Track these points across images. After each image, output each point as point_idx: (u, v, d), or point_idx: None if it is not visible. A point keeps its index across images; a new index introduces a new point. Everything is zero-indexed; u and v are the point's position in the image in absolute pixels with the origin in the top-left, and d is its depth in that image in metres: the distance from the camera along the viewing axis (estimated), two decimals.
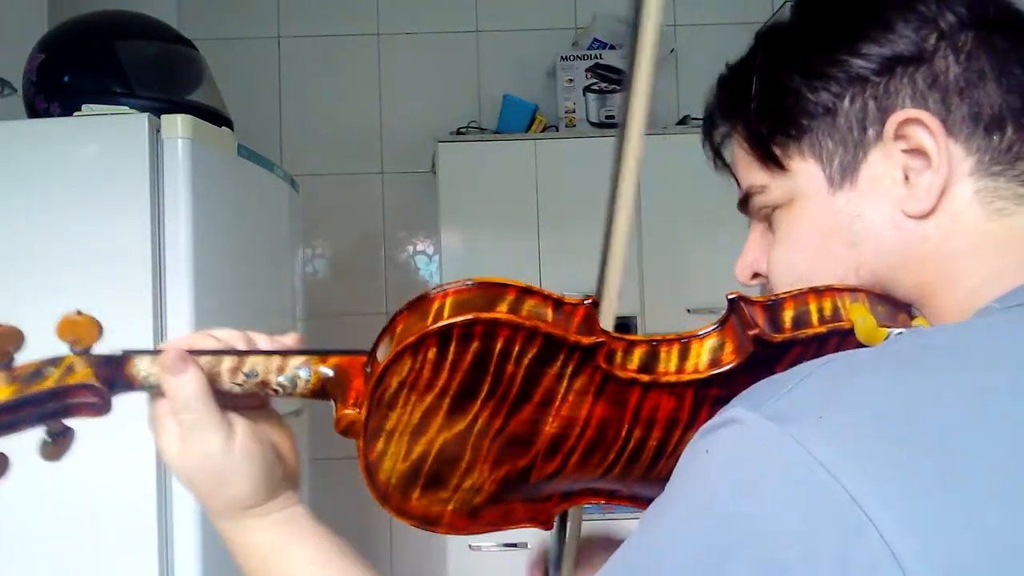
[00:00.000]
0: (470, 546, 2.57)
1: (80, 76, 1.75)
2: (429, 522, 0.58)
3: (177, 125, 1.62)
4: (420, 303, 0.54)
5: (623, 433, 0.54)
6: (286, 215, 2.12)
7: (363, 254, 3.16)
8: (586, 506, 0.65)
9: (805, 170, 0.57)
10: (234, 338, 0.60)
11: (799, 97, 0.57)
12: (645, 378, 0.53)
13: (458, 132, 2.96)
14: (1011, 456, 0.39)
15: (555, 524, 0.67)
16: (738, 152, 0.62)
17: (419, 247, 3.17)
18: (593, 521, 0.74)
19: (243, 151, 1.84)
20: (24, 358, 0.57)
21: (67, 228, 1.57)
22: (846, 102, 0.55)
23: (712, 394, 0.53)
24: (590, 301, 0.55)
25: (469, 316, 0.51)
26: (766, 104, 0.59)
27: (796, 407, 0.42)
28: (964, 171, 0.53)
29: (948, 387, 0.42)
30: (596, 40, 2.96)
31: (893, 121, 0.54)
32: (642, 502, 0.59)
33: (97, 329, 0.57)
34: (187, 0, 3.05)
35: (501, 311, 0.52)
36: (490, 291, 0.54)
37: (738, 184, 0.63)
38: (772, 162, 0.59)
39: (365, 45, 3.17)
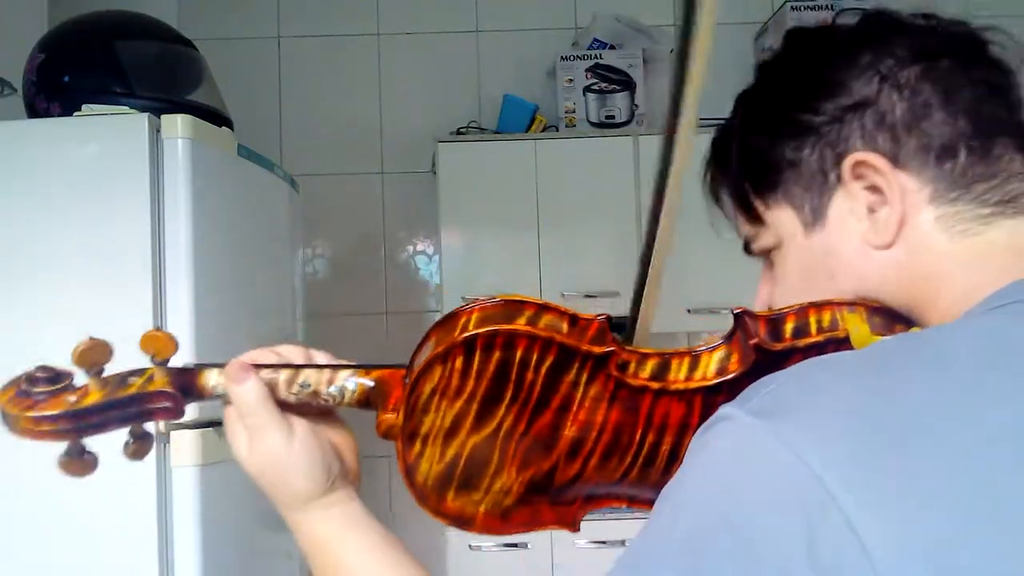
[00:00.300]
0: (470, 546, 2.57)
1: (80, 76, 1.75)
2: (464, 522, 0.65)
3: (177, 125, 1.62)
4: (450, 319, 0.61)
5: (637, 438, 0.59)
6: (286, 215, 2.12)
7: (363, 254, 3.16)
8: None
9: (781, 218, 0.63)
10: (293, 352, 0.68)
11: (767, 155, 0.63)
12: (656, 385, 0.58)
13: (458, 132, 2.96)
14: (963, 442, 0.42)
15: None
16: (730, 206, 0.69)
17: (419, 247, 3.17)
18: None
19: (243, 151, 1.84)
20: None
21: (67, 228, 1.57)
22: (806, 152, 0.61)
23: (719, 400, 0.56)
24: (604, 317, 0.61)
25: (491, 328, 0.58)
26: (743, 165, 0.65)
27: (775, 403, 0.46)
28: (922, 200, 0.57)
29: (909, 381, 0.45)
30: (596, 40, 2.96)
31: (847, 164, 0.58)
32: None
33: (174, 345, 0.66)
34: (187, 0, 3.05)
35: (520, 324, 0.58)
36: (511, 307, 0.60)
37: (737, 232, 0.70)
38: (754, 217, 0.65)
39: (365, 45, 3.17)
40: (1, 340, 1.50)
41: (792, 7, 2.80)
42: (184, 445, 1.58)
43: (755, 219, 0.65)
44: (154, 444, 0.69)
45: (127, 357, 0.66)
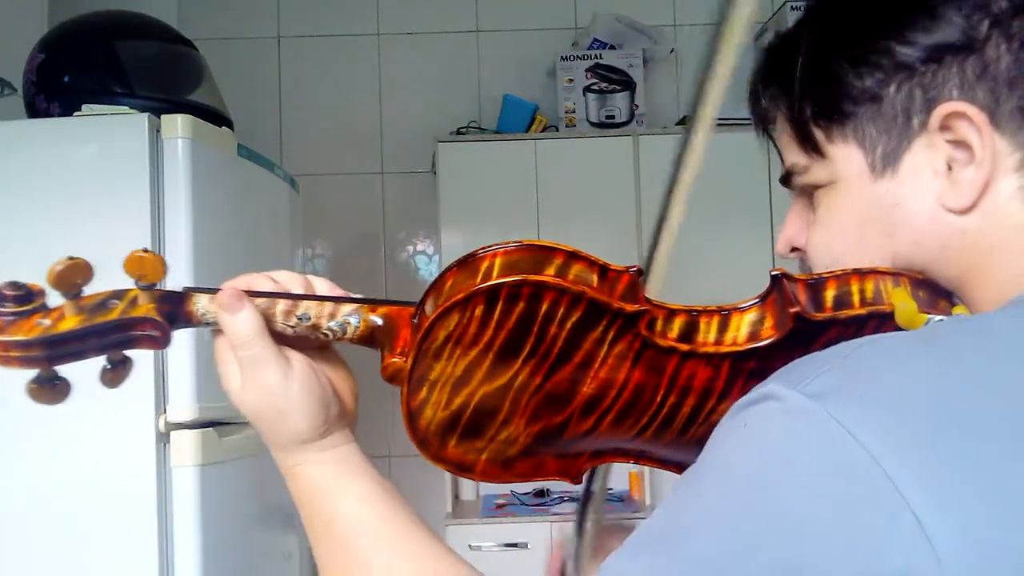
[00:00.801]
0: (470, 546, 2.57)
1: (80, 76, 1.75)
2: (464, 468, 0.61)
3: (177, 125, 1.62)
4: (470, 261, 0.56)
5: (658, 398, 0.56)
6: (286, 215, 2.12)
7: (363, 254, 3.16)
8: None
9: (847, 155, 0.57)
10: (292, 280, 0.63)
11: (843, 83, 0.56)
12: (684, 347, 0.54)
13: (458, 132, 2.96)
14: None
15: (584, 481, 0.70)
16: (780, 129, 0.62)
17: (419, 247, 3.17)
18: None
19: (243, 151, 1.84)
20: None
21: (67, 228, 1.57)
22: (891, 89, 0.54)
23: (748, 367, 0.54)
24: (635, 269, 0.57)
25: (518, 277, 0.53)
26: (810, 87, 0.58)
27: (834, 386, 0.42)
28: (1008, 167, 0.52)
29: (982, 373, 0.42)
30: (596, 40, 2.96)
31: (939, 113, 0.53)
32: (670, 465, 0.61)
33: (162, 267, 0.60)
34: (187, 0, 3.05)
35: (549, 274, 0.54)
36: (538, 253, 0.55)
37: (781, 158, 0.63)
38: (813, 147, 0.58)
39: (365, 45, 3.17)
40: None
41: (792, 7, 2.80)
42: (184, 445, 1.58)
43: (813, 150, 0.58)
44: (132, 370, 0.62)
45: (109, 280, 0.60)
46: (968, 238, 0.53)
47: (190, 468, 1.59)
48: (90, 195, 1.59)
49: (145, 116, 1.60)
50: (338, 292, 0.63)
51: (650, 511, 2.84)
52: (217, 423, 1.65)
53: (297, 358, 0.61)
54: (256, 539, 1.86)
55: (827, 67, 0.57)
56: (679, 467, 0.60)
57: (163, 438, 1.58)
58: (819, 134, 0.58)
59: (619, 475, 2.87)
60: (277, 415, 0.60)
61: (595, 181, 2.80)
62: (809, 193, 0.61)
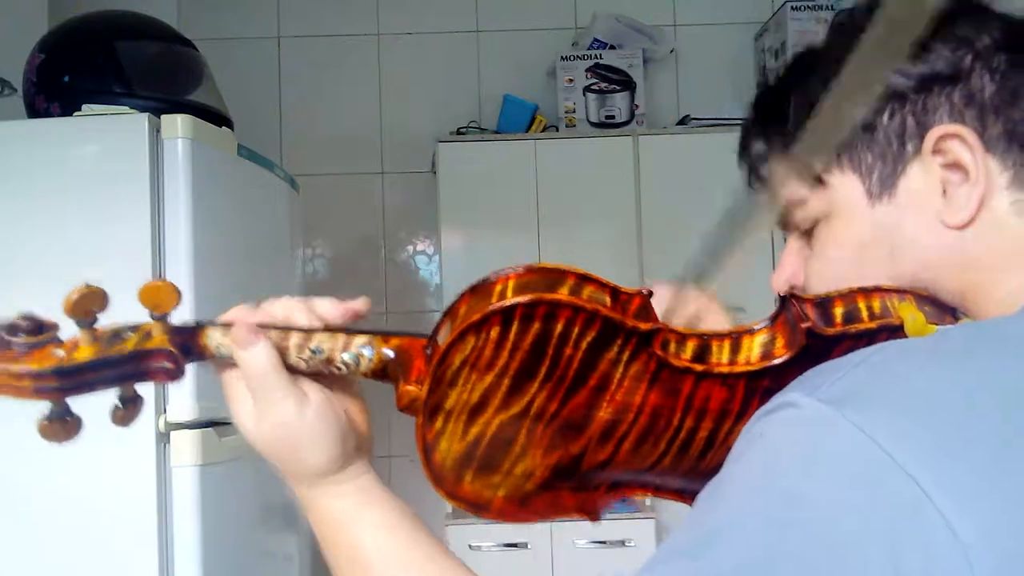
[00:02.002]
0: (470, 546, 2.57)
1: (80, 76, 1.75)
2: (479, 507, 0.60)
3: (177, 125, 1.62)
4: (482, 286, 0.57)
5: (675, 422, 0.56)
6: (286, 215, 2.12)
7: (363, 254, 3.16)
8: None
9: (844, 183, 0.59)
10: (294, 309, 0.62)
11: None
12: (699, 367, 0.55)
13: (458, 132, 2.96)
14: None
15: None
16: (776, 168, 0.64)
17: (419, 247, 3.17)
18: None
19: (243, 151, 1.84)
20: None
21: (67, 228, 1.57)
22: (885, 118, 0.57)
23: (763, 386, 0.54)
24: (647, 291, 0.57)
25: (532, 296, 0.53)
26: (805, 122, 0.60)
27: (851, 391, 0.43)
28: (1001, 184, 0.55)
29: (999, 374, 0.43)
30: (596, 40, 2.96)
31: (932, 136, 0.55)
32: (689, 496, 0.60)
33: (176, 296, 0.59)
34: (187, 0, 3.05)
35: (563, 294, 0.54)
36: (550, 276, 0.56)
37: (776, 198, 0.65)
38: (811, 177, 0.60)
39: (365, 45, 3.17)
40: None
41: (792, 7, 2.80)
42: (184, 445, 1.58)
43: (813, 179, 0.60)
44: (143, 408, 0.62)
45: (123, 310, 0.59)
46: (969, 252, 0.55)
47: (190, 468, 1.59)
48: (90, 195, 1.59)
49: (145, 116, 1.60)
50: (342, 309, 0.62)
51: (649, 511, 2.82)
52: (217, 423, 1.65)
53: (313, 391, 0.60)
54: (256, 539, 1.86)
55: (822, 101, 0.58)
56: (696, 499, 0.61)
57: (163, 438, 1.58)
58: (816, 166, 0.59)
59: None
60: (293, 449, 0.60)
61: (595, 181, 2.80)
62: (804, 230, 0.62)
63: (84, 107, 1.65)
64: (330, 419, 0.60)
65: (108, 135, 1.61)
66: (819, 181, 0.60)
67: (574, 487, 0.60)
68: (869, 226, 0.58)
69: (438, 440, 0.57)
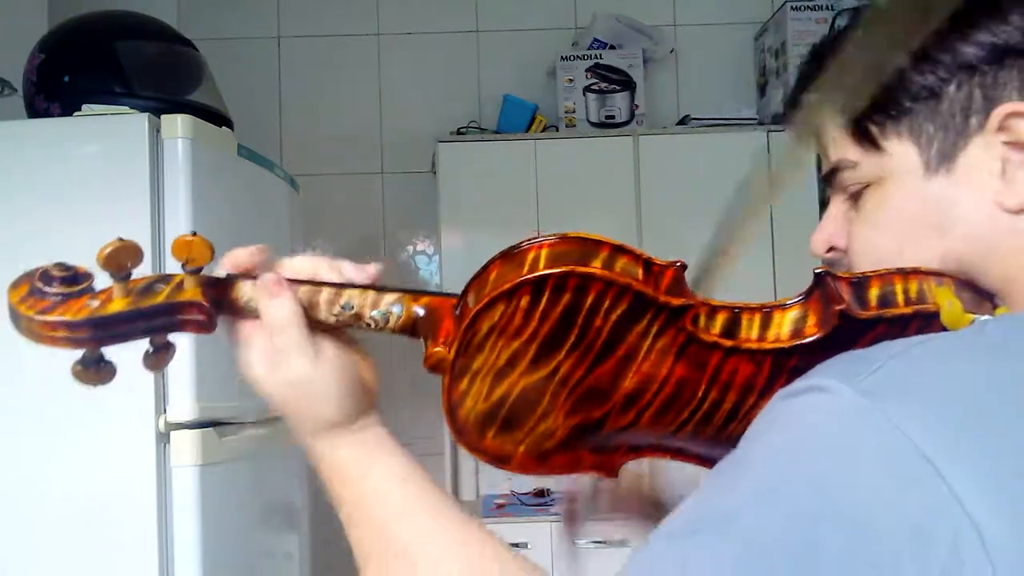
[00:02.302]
0: None
1: (80, 76, 1.75)
2: (501, 460, 0.61)
3: (177, 125, 1.62)
4: (515, 253, 0.56)
5: (699, 394, 0.56)
6: (286, 215, 2.12)
7: (363, 254, 3.12)
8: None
9: (901, 151, 0.57)
10: (320, 265, 0.63)
11: (903, 77, 0.56)
12: (728, 343, 0.54)
13: (458, 132, 2.96)
14: None
15: None
16: (829, 125, 0.61)
17: (419, 247, 3.17)
18: None
19: (243, 151, 1.84)
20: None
21: (67, 228, 1.57)
22: (952, 87, 0.55)
23: (790, 364, 0.54)
24: (679, 264, 0.57)
25: (565, 268, 0.53)
26: (867, 80, 0.58)
27: (888, 384, 0.43)
28: None
29: None
30: (596, 40, 2.96)
31: (999, 112, 0.53)
32: (708, 462, 0.60)
33: (210, 251, 0.60)
34: (187, 0, 3.05)
35: (595, 266, 0.54)
36: (584, 246, 0.56)
37: (825, 156, 0.63)
38: (867, 140, 0.58)
39: (365, 45, 3.17)
40: (0, 340, 1.50)
41: (792, 7, 2.80)
42: (184, 445, 1.58)
43: (869, 143, 0.58)
44: (175, 354, 0.62)
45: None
46: (1020, 238, 0.53)
47: (190, 468, 1.59)
48: (90, 195, 1.59)
49: (145, 116, 1.60)
50: (364, 271, 0.63)
51: None
52: (217, 423, 1.65)
53: (328, 347, 0.61)
54: (256, 539, 1.85)
55: (887, 61, 0.56)
56: (714, 465, 0.60)
57: (163, 438, 1.58)
58: (874, 128, 0.57)
59: None
60: (305, 402, 0.60)
61: (595, 181, 2.79)
62: (851, 192, 0.60)
63: (84, 107, 1.65)
64: (342, 374, 0.60)
65: (108, 135, 1.61)
66: (875, 145, 0.58)
67: (594, 447, 0.60)
68: (921, 199, 0.56)
69: (463, 399, 0.58)
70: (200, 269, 0.60)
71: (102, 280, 0.59)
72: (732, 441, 0.54)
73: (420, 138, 3.03)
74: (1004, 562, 0.37)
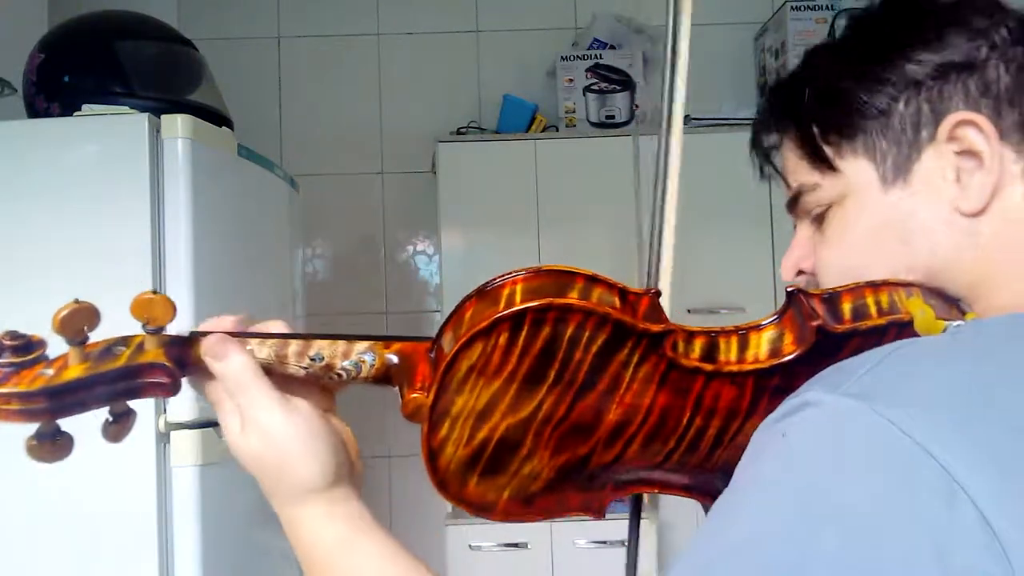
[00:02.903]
0: (470, 546, 2.57)
1: (80, 76, 1.75)
2: (484, 509, 0.59)
3: (177, 125, 1.62)
4: (489, 290, 0.56)
5: (684, 421, 0.55)
6: (286, 215, 2.12)
7: (363, 254, 3.16)
8: None
9: (857, 168, 0.59)
10: (278, 328, 0.61)
11: (853, 99, 0.58)
12: (709, 367, 0.54)
13: (458, 132, 2.96)
14: None
15: (629, 517, 0.70)
16: (788, 155, 0.64)
17: (419, 247, 3.17)
18: None
19: (243, 151, 1.84)
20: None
21: (67, 228, 1.57)
22: (901, 104, 0.57)
23: (772, 384, 0.54)
24: (654, 292, 0.57)
25: (544, 301, 0.52)
26: (819, 106, 0.61)
27: (876, 386, 0.43)
28: (1015, 174, 0.55)
29: (1015, 368, 0.44)
30: (596, 40, 2.96)
31: (948, 122, 0.56)
32: (695, 493, 0.60)
33: (171, 309, 0.56)
34: (187, 0, 3.05)
35: (573, 297, 0.53)
36: (559, 278, 0.55)
37: (787, 186, 0.65)
38: (824, 162, 0.60)
39: (365, 45, 3.17)
40: None
41: (792, 7, 2.80)
42: (184, 445, 1.58)
43: (826, 165, 0.60)
44: (136, 422, 0.59)
45: (121, 309, 0.57)
46: (982, 241, 0.55)
47: (190, 468, 1.59)
48: (90, 195, 1.59)
49: (145, 116, 1.60)
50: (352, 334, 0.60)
51: (652, 510, 2.81)
52: (217, 423, 1.64)
53: (301, 402, 0.59)
54: (256, 539, 1.85)
55: (836, 88, 0.59)
56: (703, 494, 0.60)
57: (163, 438, 1.58)
58: (829, 150, 0.60)
59: None
60: (282, 461, 0.58)
61: (595, 181, 2.79)
62: (815, 215, 0.62)
63: (84, 107, 1.65)
64: (321, 429, 0.59)
65: (108, 135, 1.61)
66: (832, 166, 0.60)
67: (580, 486, 0.59)
68: (882, 212, 0.58)
69: (444, 445, 0.57)
70: (162, 329, 0.57)
71: (58, 347, 0.55)
72: (718, 468, 0.55)
73: (420, 138, 3.03)
74: (1017, 552, 0.37)
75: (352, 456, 0.62)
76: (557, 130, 2.91)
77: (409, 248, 3.17)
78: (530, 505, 0.60)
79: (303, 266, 2.45)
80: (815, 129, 0.60)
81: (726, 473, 0.47)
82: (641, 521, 0.72)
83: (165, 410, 1.58)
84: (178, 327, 0.59)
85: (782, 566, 0.40)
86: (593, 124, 2.91)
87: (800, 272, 0.65)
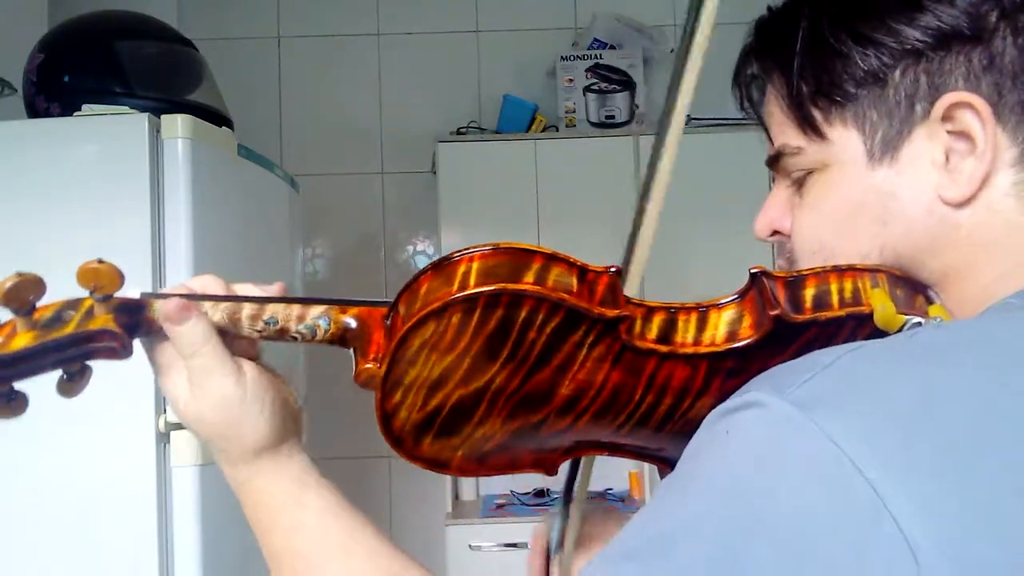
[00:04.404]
0: (470, 546, 2.57)
1: (80, 76, 1.75)
2: (439, 465, 0.60)
3: (177, 125, 1.62)
4: (445, 266, 0.55)
5: (636, 398, 0.55)
6: (286, 215, 2.12)
7: (363, 254, 3.16)
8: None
9: (845, 139, 0.55)
10: (214, 286, 0.61)
11: (848, 61, 0.54)
12: (663, 348, 0.54)
13: (458, 132, 2.96)
14: None
15: (567, 471, 0.70)
16: (773, 109, 0.60)
17: (419, 247, 3.17)
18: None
19: (243, 151, 1.84)
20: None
21: (67, 228, 1.57)
22: (897, 73, 0.53)
23: (726, 366, 0.53)
24: (614, 270, 0.56)
25: (496, 287, 0.52)
26: (811, 62, 0.56)
27: (819, 394, 0.42)
28: (1006, 161, 0.52)
29: (970, 383, 0.42)
30: (596, 40, 2.96)
31: (944, 102, 0.52)
32: (646, 456, 0.61)
33: (119, 277, 0.57)
34: (187, 0, 3.05)
35: (527, 282, 0.52)
36: (516, 258, 0.54)
37: (769, 139, 0.61)
38: (810, 127, 0.57)
39: (365, 45, 3.17)
40: None
41: None
42: (184, 445, 1.58)
43: (813, 130, 0.56)
44: (91, 378, 0.59)
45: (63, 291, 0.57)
46: (961, 232, 0.53)
47: (190, 468, 1.59)
48: (90, 195, 1.59)
49: (145, 116, 1.60)
50: (268, 293, 0.61)
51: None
52: None
53: (247, 364, 0.59)
54: (256, 539, 1.85)
55: (831, 44, 0.55)
56: (653, 458, 0.61)
57: (163, 438, 1.58)
58: (818, 115, 0.56)
59: (619, 475, 2.87)
60: (232, 423, 0.58)
61: (595, 181, 2.79)
62: (795, 177, 0.59)
63: (84, 107, 1.65)
64: (268, 390, 0.59)
65: (108, 135, 1.61)
66: (819, 132, 0.56)
67: (533, 447, 0.60)
68: (864, 188, 0.55)
69: (397, 410, 0.57)
70: (110, 296, 0.57)
71: (3, 315, 0.56)
72: (669, 437, 0.55)
73: (420, 138, 3.03)
74: (935, 572, 0.36)
75: (292, 406, 0.62)
76: (557, 130, 2.92)
77: (409, 248, 3.17)
78: (484, 462, 0.60)
79: (303, 266, 2.45)
80: (804, 89, 0.56)
81: (678, 440, 0.47)
82: (575, 484, 0.72)
83: (165, 410, 1.58)
84: (122, 296, 0.59)
85: (706, 567, 0.39)
86: (593, 124, 2.91)
87: (775, 232, 0.63)
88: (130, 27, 1.87)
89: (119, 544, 1.56)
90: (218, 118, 1.85)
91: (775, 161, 0.60)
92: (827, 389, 0.42)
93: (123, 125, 1.61)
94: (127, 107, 1.66)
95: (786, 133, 0.58)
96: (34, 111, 1.77)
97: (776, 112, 0.59)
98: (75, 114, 1.65)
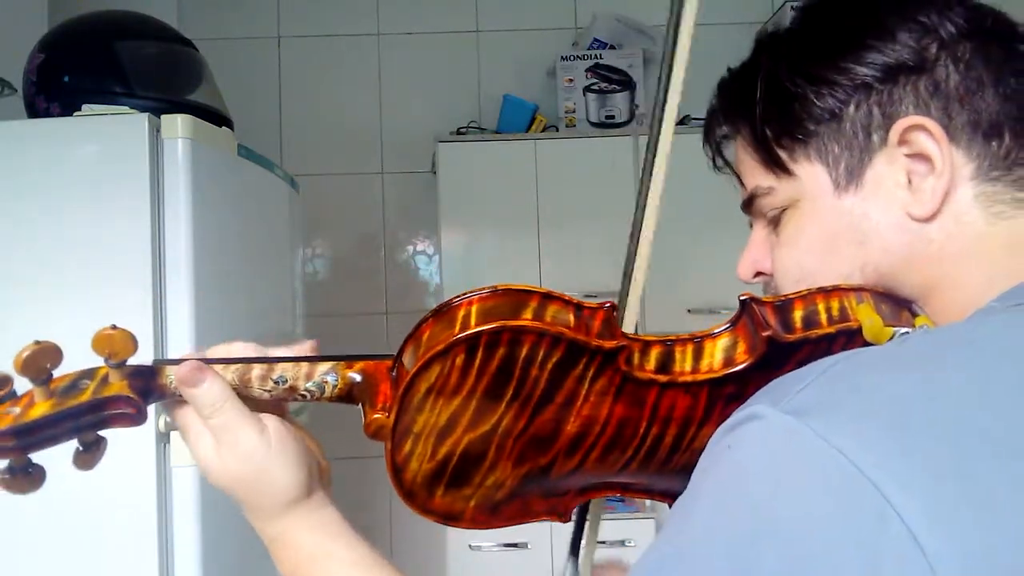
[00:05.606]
0: (470, 546, 2.57)
1: (80, 76, 1.75)
2: (452, 518, 0.61)
3: (177, 125, 1.62)
4: (445, 311, 0.56)
5: (641, 431, 0.57)
6: (286, 215, 2.12)
7: (363, 254, 3.16)
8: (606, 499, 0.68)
9: (811, 173, 0.59)
10: (249, 351, 0.62)
11: (805, 102, 0.58)
12: (663, 378, 0.55)
13: (458, 132, 2.96)
14: (1018, 445, 0.40)
15: (574, 519, 0.71)
16: (742, 155, 0.64)
17: (419, 247, 3.17)
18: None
19: (243, 151, 1.84)
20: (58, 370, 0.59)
21: (67, 228, 1.57)
22: (851, 108, 0.57)
23: (726, 392, 0.55)
24: (609, 305, 0.58)
25: (497, 324, 0.53)
26: (772, 108, 0.60)
27: (815, 401, 0.43)
28: (965, 176, 0.55)
29: (959, 380, 0.43)
30: (596, 40, 2.96)
31: (898, 127, 0.55)
32: (656, 494, 0.62)
33: (132, 343, 0.58)
34: (187, 0, 3.05)
35: (526, 318, 0.54)
36: (513, 298, 0.56)
37: (742, 185, 0.65)
38: (777, 166, 0.60)
39: (365, 45, 3.17)
40: (0, 340, 1.50)
41: (792, 7, 2.80)
42: (184, 445, 1.58)
43: (780, 169, 0.60)
44: (106, 449, 0.61)
45: (78, 358, 0.57)
46: (933, 246, 0.56)
47: (190, 468, 1.59)
48: (90, 195, 1.59)
49: (145, 116, 1.60)
50: (299, 352, 0.62)
51: (649, 511, 2.82)
52: None
53: (269, 418, 0.61)
54: (256, 539, 1.85)
55: (788, 88, 0.59)
56: (664, 495, 0.61)
57: (163, 438, 1.58)
58: (783, 154, 0.60)
59: None
60: (259, 477, 0.60)
61: (595, 181, 2.79)
62: (770, 216, 0.62)
63: (84, 107, 1.65)
64: (291, 442, 0.61)
65: (108, 135, 1.61)
66: (786, 170, 0.60)
67: (544, 493, 0.61)
68: (836, 216, 0.58)
69: (408, 461, 0.58)
70: (124, 362, 0.58)
71: (22, 384, 0.56)
72: (678, 471, 0.57)
73: (420, 138, 3.03)
74: (944, 570, 0.37)
75: (318, 456, 0.64)
76: (557, 130, 2.92)
77: (409, 248, 3.17)
78: (496, 513, 0.61)
79: (303, 266, 2.45)
80: (768, 132, 0.60)
81: (685, 475, 0.48)
82: (585, 525, 0.73)
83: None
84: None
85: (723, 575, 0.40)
86: (593, 124, 2.91)
87: (759, 274, 0.65)
88: (130, 27, 1.87)
89: (119, 544, 1.56)
90: (218, 118, 1.85)
91: (749, 204, 0.64)
92: (822, 396, 0.44)
93: (123, 125, 1.61)
94: (127, 107, 1.66)
95: (756, 176, 0.62)
96: (34, 111, 1.77)
97: (746, 159, 0.63)
98: (75, 114, 1.65)
